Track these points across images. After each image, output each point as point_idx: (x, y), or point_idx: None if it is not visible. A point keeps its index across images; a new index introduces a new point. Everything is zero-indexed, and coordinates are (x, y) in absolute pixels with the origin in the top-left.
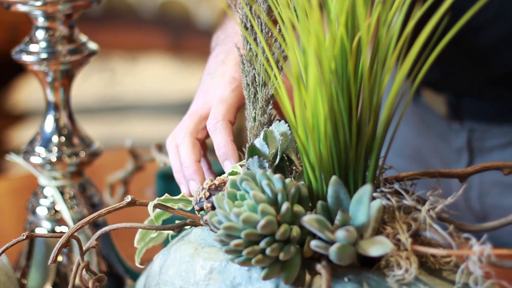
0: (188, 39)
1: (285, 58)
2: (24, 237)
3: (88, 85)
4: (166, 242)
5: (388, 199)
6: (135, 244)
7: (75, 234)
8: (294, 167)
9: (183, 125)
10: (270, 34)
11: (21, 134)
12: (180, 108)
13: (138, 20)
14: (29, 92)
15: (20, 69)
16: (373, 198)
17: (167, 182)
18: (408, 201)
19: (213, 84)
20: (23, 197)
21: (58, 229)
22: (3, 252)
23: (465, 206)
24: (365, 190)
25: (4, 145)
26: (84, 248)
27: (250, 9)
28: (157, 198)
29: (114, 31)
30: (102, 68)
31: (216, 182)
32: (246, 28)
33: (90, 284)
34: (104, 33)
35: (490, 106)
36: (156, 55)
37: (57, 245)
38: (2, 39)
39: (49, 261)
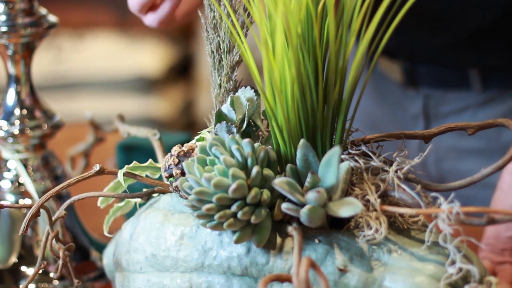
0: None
1: (251, 23)
2: None
3: (35, 63)
4: (132, 212)
5: (356, 161)
6: (99, 203)
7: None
8: (260, 133)
9: None
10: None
11: None
12: (128, 84)
13: None
14: None
15: None
16: (342, 161)
17: (128, 154)
18: (375, 163)
19: None
20: None
21: (22, 201)
22: None
23: (422, 171)
24: (334, 152)
25: None
26: (53, 218)
27: None
28: (126, 166)
29: (60, 9)
30: (48, 46)
31: (185, 148)
32: None
33: (60, 253)
34: (50, 9)
35: (445, 72)
36: (102, 32)
37: (28, 215)
38: None
39: (20, 232)
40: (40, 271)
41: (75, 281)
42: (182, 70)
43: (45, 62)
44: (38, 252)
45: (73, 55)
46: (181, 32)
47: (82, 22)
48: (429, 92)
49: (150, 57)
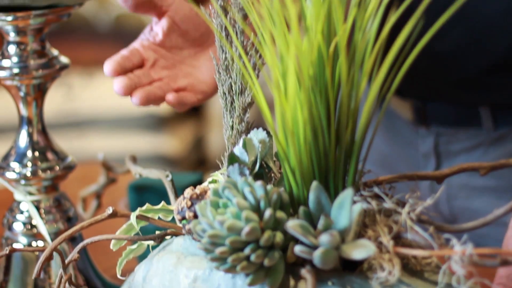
0: None
1: (262, 65)
2: (7, 252)
3: (45, 101)
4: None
5: (369, 202)
6: (112, 246)
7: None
8: (272, 174)
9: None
10: (246, 41)
11: None
12: (139, 121)
13: (94, 34)
14: None
15: None
16: (354, 202)
17: (140, 194)
18: (388, 204)
19: None
20: None
21: (34, 244)
22: None
23: (434, 210)
24: (346, 194)
25: None
26: (66, 261)
27: (226, 16)
28: (138, 209)
29: (71, 46)
30: (59, 83)
31: (198, 191)
32: (222, 37)
33: None
34: (61, 48)
35: (455, 110)
36: None
37: (41, 258)
38: None
39: (34, 275)
40: None
41: None
42: (192, 107)
43: (55, 100)
44: None
45: (84, 92)
46: None
47: (92, 60)
48: (440, 130)
49: None
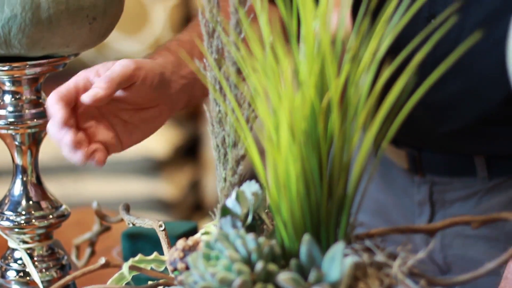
0: None
1: (255, 118)
2: None
3: (44, 148)
4: None
5: (360, 255)
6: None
7: None
8: (265, 226)
9: (84, 71)
10: (240, 95)
11: None
12: (135, 165)
13: None
14: None
15: None
16: (345, 255)
17: (133, 242)
18: (379, 257)
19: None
20: None
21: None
22: None
23: (429, 259)
24: (338, 247)
25: None
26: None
27: (220, 69)
28: (131, 259)
29: None
30: None
31: (190, 242)
32: (216, 90)
33: None
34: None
35: (450, 159)
36: None
37: None
38: None
39: None
40: None
41: None
42: (189, 151)
43: (51, 144)
44: None
45: None
46: (188, 113)
47: None
48: (435, 179)
49: (156, 138)
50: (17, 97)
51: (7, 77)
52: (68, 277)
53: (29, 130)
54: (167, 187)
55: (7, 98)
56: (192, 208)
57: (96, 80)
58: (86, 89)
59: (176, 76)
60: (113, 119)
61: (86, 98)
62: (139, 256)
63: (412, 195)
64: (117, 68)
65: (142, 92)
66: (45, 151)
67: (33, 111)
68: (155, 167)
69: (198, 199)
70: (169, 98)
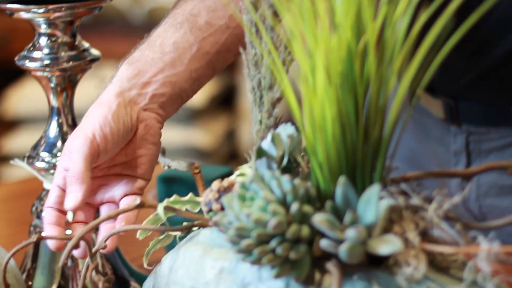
0: None
1: (291, 61)
2: (35, 239)
3: (78, 93)
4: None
5: (396, 198)
6: (138, 235)
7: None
8: (300, 169)
9: (60, 161)
10: (276, 37)
11: (12, 141)
12: None
13: (127, 27)
14: (20, 100)
15: (11, 77)
16: (381, 198)
17: (168, 186)
18: (415, 201)
19: (82, 121)
20: (18, 203)
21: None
22: (14, 253)
23: (464, 208)
24: (373, 190)
25: None
26: (93, 250)
27: (256, 12)
28: (166, 200)
29: (104, 39)
30: (91, 75)
31: (225, 183)
32: (252, 33)
33: (100, 285)
34: (94, 40)
35: (488, 109)
36: None
37: (68, 247)
38: None
39: (60, 264)
40: None
41: None
42: (225, 101)
43: (88, 92)
44: (79, 283)
45: None
46: None
47: (125, 52)
48: (472, 129)
49: None
50: (53, 39)
51: (43, 19)
52: (103, 217)
53: (64, 73)
54: (203, 136)
55: (43, 41)
56: (227, 157)
57: (68, 181)
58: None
59: (138, 95)
60: (114, 178)
61: (69, 206)
62: (174, 197)
63: (448, 144)
64: (75, 157)
65: (113, 150)
66: (82, 99)
67: (69, 53)
68: (191, 116)
69: (233, 148)
70: (146, 120)
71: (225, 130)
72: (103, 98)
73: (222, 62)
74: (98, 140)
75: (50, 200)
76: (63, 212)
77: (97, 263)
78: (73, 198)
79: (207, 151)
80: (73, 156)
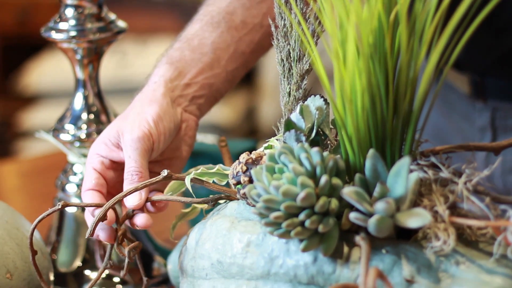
0: None
1: (321, 32)
2: (60, 206)
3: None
4: (196, 220)
5: (425, 171)
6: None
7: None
8: (328, 142)
9: (94, 147)
10: (306, 8)
11: (32, 117)
12: None
13: (148, 3)
14: (40, 75)
15: (30, 52)
16: (411, 171)
17: (194, 159)
18: (444, 174)
19: (132, 115)
20: (37, 178)
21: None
22: (40, 221)
23: (489, 184)
24: (403, 162)
25: (16, 127)
26: (121, 219)
27: None
28: (193, 172)
29: (125, 14)
30: (113, 50)
31: (253, 156)
32: (281, 4)
33: (125, 251)
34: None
35: None
36: (166, 38)
37: (95, 218)
38: (12, 22)
39: (87, 235)
40: (104, 275)
41: (145, 278)
42: (245, 77)
43: (109, 67)
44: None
45: (137, 60)
46: None
47: (147, 27)
48: (498, 105)
49: None
50: (79, 11)
51: None
52: (129, 188)
53: (90, 44)
54: (223, 113)
55: (69, 12)
56: (248, 133)
57: (126, 178)
58: (105, 167)
59: (179, 96)
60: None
61: (132, 204)
62: (201, 169)
63: (473, 120)
64: (133, 153)
65: (162, 149)
66: (104, 75)
67: (96, 25)
68: None
69: (253, 125)
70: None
71: (246, 107)
72: (152, 96)
73: (255, 60)
74: (154, 138)
75: (89, 182)
76: (102, 194)
77: (125, 229)
78: (137, 196)
79: (227, 128)
80: (129, 152)
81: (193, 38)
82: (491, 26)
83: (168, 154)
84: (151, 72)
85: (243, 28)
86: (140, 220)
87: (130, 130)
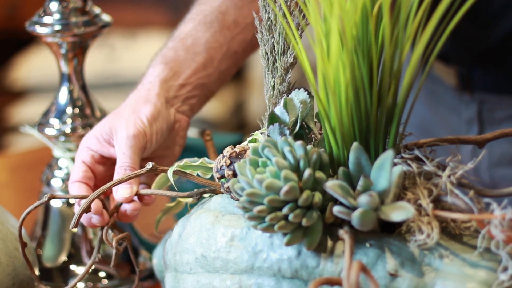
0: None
1: (306, 25)
2: (46, 199)
3: (87, 61)
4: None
5: (409, 165)
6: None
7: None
8: (313, 135)
9: (86, 141)
10: (290, 1)
11: (21, 111)
12: None
13: None
14: (29, 69)
15: (19, 46)
16: (394, 164)
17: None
18: (428, 167)
19: (126, 113)
20: (27, 172)
21: (72, 200)
22: (27, 214)
23: (475, 177)
24: (387, 156)
25: (4, 122)
26: (110, 210)
27: None
28: (176, 164)
29: (114, 7)
30: (101, 44)
31: (237, 150)
32: None
33: (113, 243)
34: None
35: (500, 77)
36: (155, 31)
37: (79, 209)
38: (1, 16)
39: (71, 226)
40: (90, 270)
41: (137, 269)
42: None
43: (97, 61)
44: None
45: (126, 54)
46: None
47: (135, 21)
48: (484, 97)
49: None
50: (64, 5)
51: None
52: (113, 181)
53: (75, 38)
54: (212, 107)
55: (54, 6)
56: (236, 128)
57: (119, 172)
58: (95, 160)
59: (174, 97)
60: None
61: (122, 196)
62: (184, 161)
63: (460, 113)
64: (126, 150)
65: (154, 148)
66: (92, 69)
67: (80, 19)
68: None
69: (242, 119)
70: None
71: (234, 101)
72: (147, 95)
73: (246, 58)
74: (148, 137)
75: (76, 175)
76: (89, 186)
77: (115, 221)
78: (128, 189)
79: (216, 122)
80: (123, 148)
81: (187, 38)
82: (477, 19)
83: (159, 153)
84: (145, 72)
85: (235, 27)
86: (130, 206)
87: (125, 127)
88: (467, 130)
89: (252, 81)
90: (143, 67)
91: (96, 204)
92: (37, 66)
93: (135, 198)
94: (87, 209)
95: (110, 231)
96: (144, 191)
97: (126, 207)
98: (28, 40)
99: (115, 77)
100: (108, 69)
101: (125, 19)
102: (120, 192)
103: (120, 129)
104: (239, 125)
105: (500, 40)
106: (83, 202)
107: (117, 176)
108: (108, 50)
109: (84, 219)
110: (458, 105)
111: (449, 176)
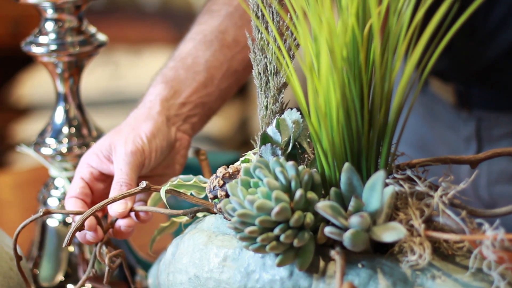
0: None
1: (297, 46)
2: (42, 214)
3: (92, 78)
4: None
5: (401, 185)
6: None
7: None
8: (306, 155)
9: (86, 157)
10: (281, 22)
11: (25, 128)
12: None
13: (141, 13)
14: (33, 86)
15: (23, 63)
16: (386, 185)
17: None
18: (420, 187)
19: (126, 130)
20: (29, 190)
21: (69, 219)
22: (22, 228)
23: (474, 195)
24: (378, 176)
25: (9, 139)
26: (104, 226)
27: None
28: (169, 183)
29: (118, 24)
30: (106, 61)
31: (230, 170)
32: (258, 17)
33: (106, 260)
34: (108, 27)
35: (498, 95)
36: (159, 48)
37: (72, 228)
38: (5, 34)
39: (64, 244)
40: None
41: (133, 286)
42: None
43: (102, 78)
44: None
45: (130, 71)
46: None
47: (139, 38)
48: (483, 115)
49: None
50: (60, 25)
51: (49, 4)
52: (107, 199)
53: (71, 58)
54: (216, 124)
55: (49, 26)
56: (241, 145)
57: (115, 188)
58: (94, 177)
59: (175, 116)
60: None
61: (117, 212)
62: (177, 180)
63: (458, 130)
64: (124, 166)
65: (152, 166)
66: (97, 86)
67: (76, 38)
68: None
69: (247, 136)
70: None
71: (239, 118)
72: (148, 113)
73: (247, 76)
74: (146, 154)
75: (73, 191)
76: (86, 203)
77: (108, 238)
78: (123, 205)
79: (220, 139)
80: (120, 165)
81: (187, 57)
82: (474, 37)
83: (160, 171)
84: (146, 91)
85: (235, 46)
86: (124, 222)
87: (123, 144)
88: (465, 147)
89: (256, 98)
90: (147, 84)
91: (89, 221)
92: (41, 84)
93: (132, 214)
94: (80, 228)
95: (104, 248)
96: (139, 207)
97: (120, 223)
98: (32, 58)
99: (120, 94)
100: (112, 86)
101: (129, 36)
102: (115, 208)
103: (119, 145)
104: (244, 142)
105: (497, 57)
106: (77, 218)
107: (113, 191)
108: (112, 67)
109: (79, 235)
110: (456, 123)
111: (441, 196)
